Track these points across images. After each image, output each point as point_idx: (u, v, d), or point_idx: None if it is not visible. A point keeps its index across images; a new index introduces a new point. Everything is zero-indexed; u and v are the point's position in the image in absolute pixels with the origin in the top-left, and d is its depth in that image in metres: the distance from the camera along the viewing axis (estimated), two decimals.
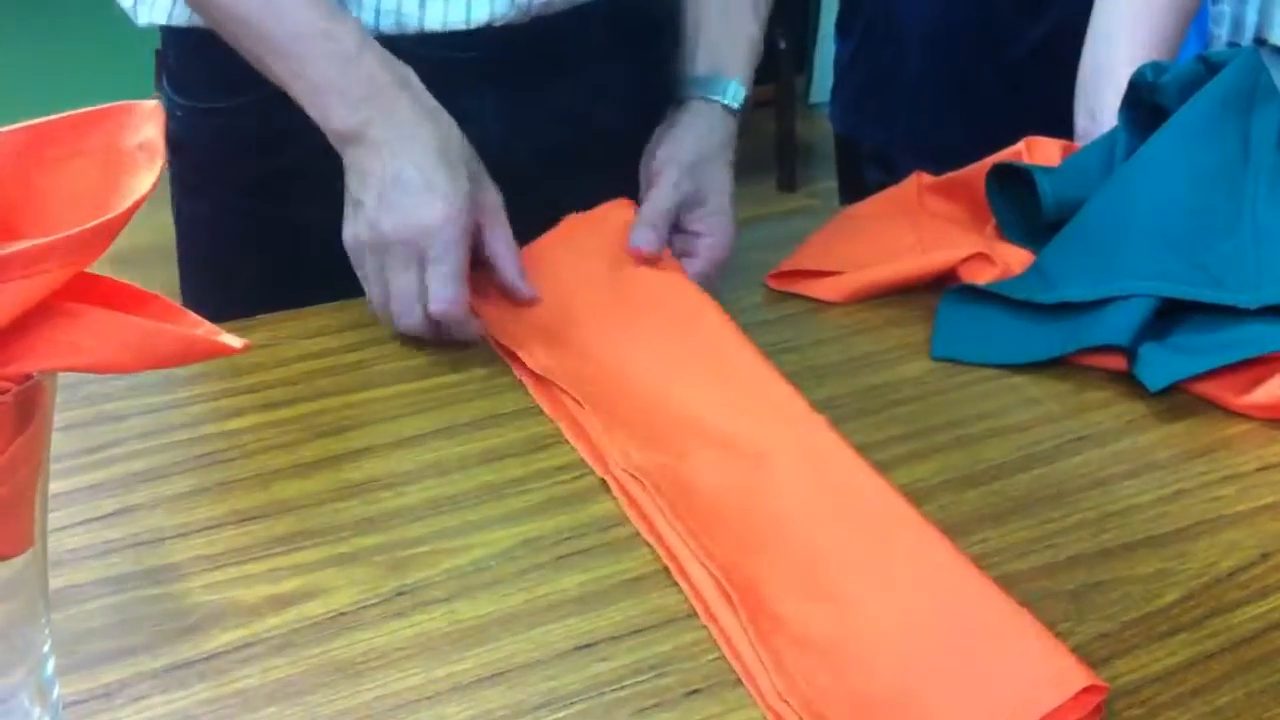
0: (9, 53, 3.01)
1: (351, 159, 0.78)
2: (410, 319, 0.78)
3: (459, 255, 0.76)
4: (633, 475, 0.67)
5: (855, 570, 0.60)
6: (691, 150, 0.87)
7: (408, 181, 0.76)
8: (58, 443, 0.68)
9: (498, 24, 0.85)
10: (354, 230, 0.78)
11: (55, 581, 0.59)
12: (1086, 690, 0.52)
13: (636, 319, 0.80)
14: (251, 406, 0.74)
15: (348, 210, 0.79)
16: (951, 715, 0.52)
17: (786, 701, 0.54)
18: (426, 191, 0.76)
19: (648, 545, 0.63)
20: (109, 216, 0.38)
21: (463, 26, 0.85)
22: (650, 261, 0.83)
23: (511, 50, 0.88)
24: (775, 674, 0.55)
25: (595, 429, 0.71)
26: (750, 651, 0.56)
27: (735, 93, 0.90)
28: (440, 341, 0.79)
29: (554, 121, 0.92)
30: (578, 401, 0.73)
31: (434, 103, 0.79)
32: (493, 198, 0.80)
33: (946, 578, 0.58)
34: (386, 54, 0.79)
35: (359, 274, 0.79)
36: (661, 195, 0.85)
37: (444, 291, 0.76)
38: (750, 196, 0.86)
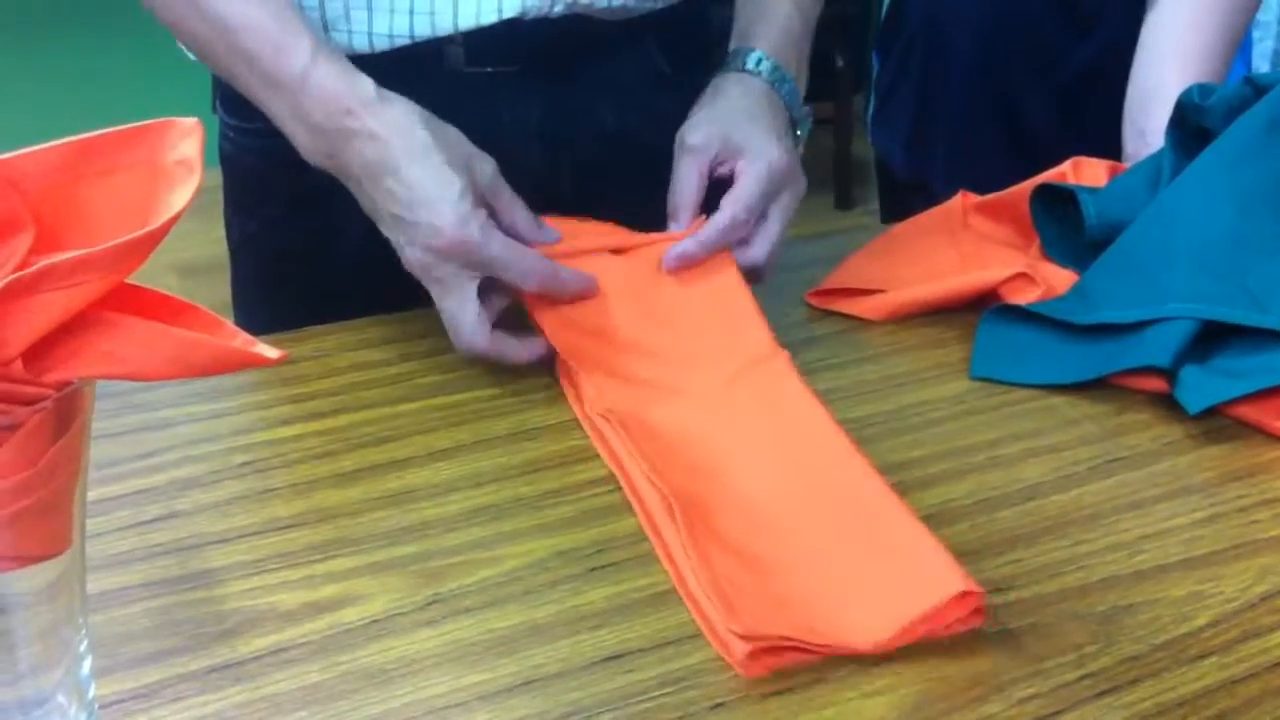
0: (81, 71, 3.09)
1: (354, 191, 0.78)
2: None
3: (468, 282, 0.76)
4: (603, 417, 0.72)
5: (792, 504, 0.67)
6: (715, 118, 0.85)
7: (408, 199, 0.75)
8: (108, 448, 0.71)
9: (529, 16, 0.85)
10: (410, 251, 0.76)
11: (100, 584, 0.61)
12: (966, 594, 0.58)
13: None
14: (297, 416, 0.76)
15: (391, 236, 0.78)
16: (848, 613, 0.59)
17: (710, 598, 0.59)
18: (426, 208, 0.74)
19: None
20: (146, 230, 0.40)
21: (496, 18, 0.85)
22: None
23: (550, 59, 0.89)
24: (701, 570, 0.60)
25: (575, 371, 0.77)
26: (684, 558, 0.61)
27: (756, 60, 0.88)
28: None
29: (595, 137, 0.92)
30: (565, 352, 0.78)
31: (395, 108, 0.76)
32: (488, 168, 0.78)
33: (867, 502, 0.66)
34: (343, 67, 0.77)
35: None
36: (685, 182, 0.83)
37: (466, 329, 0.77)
38: (806, 214, 0.86)
